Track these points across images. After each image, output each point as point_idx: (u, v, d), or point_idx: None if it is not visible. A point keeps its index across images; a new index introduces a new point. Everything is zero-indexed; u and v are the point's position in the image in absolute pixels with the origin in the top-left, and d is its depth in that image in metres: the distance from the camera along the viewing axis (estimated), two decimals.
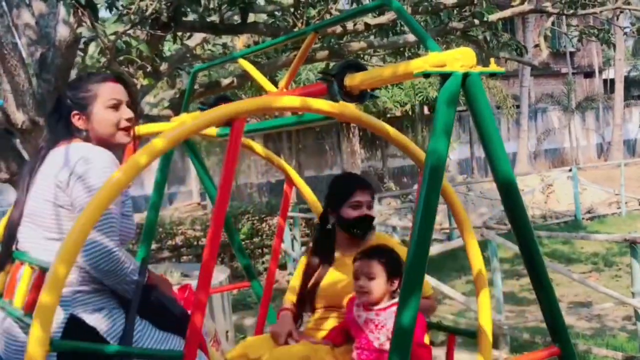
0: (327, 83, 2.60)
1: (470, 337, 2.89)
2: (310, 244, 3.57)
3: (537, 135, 30.63)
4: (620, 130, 30.43)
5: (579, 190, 16.60)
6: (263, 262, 12.68)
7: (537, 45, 12.35)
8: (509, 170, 2.26)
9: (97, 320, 2.48)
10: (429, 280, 3.50)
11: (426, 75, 2.15)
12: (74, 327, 2.44)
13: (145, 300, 2.55)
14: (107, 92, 2.70)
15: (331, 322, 3.24)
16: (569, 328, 8.32)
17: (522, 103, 27.28)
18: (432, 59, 2.16)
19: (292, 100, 2.40)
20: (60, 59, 5.91)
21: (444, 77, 2.15)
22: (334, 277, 3.30)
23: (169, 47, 9.92)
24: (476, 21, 8.09)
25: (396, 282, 2.92)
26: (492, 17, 8.05)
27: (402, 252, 2.88)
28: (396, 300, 2.76)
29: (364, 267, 2.93)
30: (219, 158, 20.06)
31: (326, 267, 3.34)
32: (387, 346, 2.77)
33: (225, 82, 7.75)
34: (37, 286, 2.36)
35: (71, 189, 2.48)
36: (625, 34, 16.30)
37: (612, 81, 33.36)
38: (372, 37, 8.79)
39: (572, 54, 34.08)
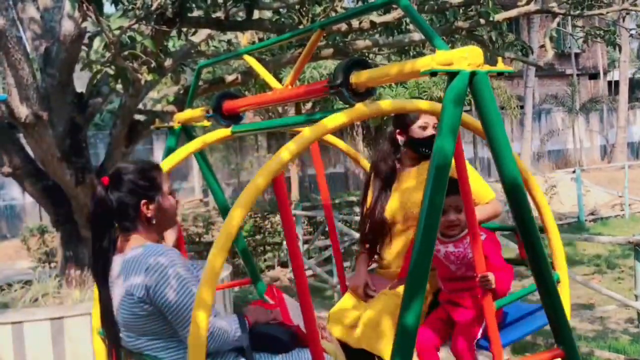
0: (336, 90, 2.56)
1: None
2: (373, 167, 3.73)
3: (540, 136, 30.55)
4: (624, 132, 30.36)
5: (582, 191, 16.55)
6: (265, 260, 12.68)
7: (542, 46, 12.31)
8: (515, 170, 2.24)
9: None
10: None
11: (433, 73, 2.13)
12: None
13: (254, 339, 2.70)
14: (164, 179, 2.79)
15: (404, 244, 3.44)
16: (571, 330, 8.29)
17: (526, 104, 27.21)
18: (440, 57, 2.13)
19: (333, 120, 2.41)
20: (65, 54, 5.91)
21: (451, 75, 2.13)
22: (401, 194, 3.49)
23: (173, 43, 9.90)
24: (482, 20, 8.05)
25: None
26: (498, 17, 8.01)
27: (474, 176, 3.19)
28: (466, 231, 2.98)
29: (453, 200, 2.98)
30: (222, 155, 20.05)
31: (390, 189, 3.55)
32: (468, 273, 2.98)
33: (230, 78, 7.73)
34: None
35: (152, 299, 2.52)
36: (631, 35, 16.24)
37: (617, 83, 33.26)
38: (377, 36, 8.76)
39: (577, 55, 34.01)
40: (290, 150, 2.23)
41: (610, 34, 10.59)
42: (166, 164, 3.29)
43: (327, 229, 12.14)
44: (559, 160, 30.50)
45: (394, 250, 3.51)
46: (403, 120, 3.45)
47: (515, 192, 2.26)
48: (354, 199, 14.13)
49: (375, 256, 3.67)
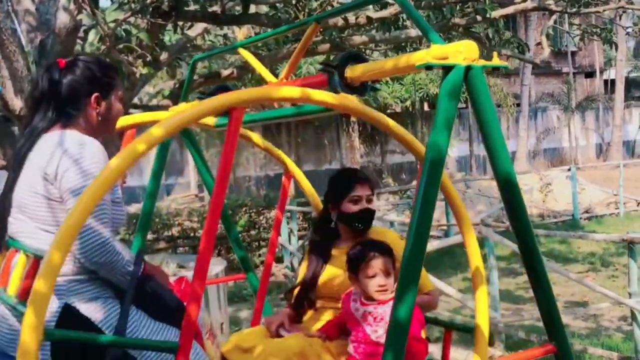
0: (328, 74, 2.57)
1: (467, 332, 2.87)
2: (308, 241, 3.56)
3: (536, 134, 30.60)
4: (620, 131, 30.40)
5: (577, 190, 16.59)
6: (260, 255, 12.66)
7: (539, 44, 12.33)
8: (509, 165, 2.24)
9: (91, 310, 2.45)
10: None
11: (428, 67, 2.12)
12: (68, 316, 2.41)
13: (141, 290, 2.52)
14: (120, 85, 2.73)
15: (328, 316, 3.23)
16: (565, 327, 8.31)
17: (522, 102, 27.26)
18: (435, 52, 2.13)
19: (292, 91, 2.36)
20: (60, 46, 5.87)
21: (446, 70, 2.12)
22: (332, 271, 3.29)
23: (169, 37, 9.88)
24: (479, 17, 8.06)
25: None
26: (495, 14, 8.02)
27: (400, 245, 2.87)
28: (392, 295, 2.74)
29: (381, 264, 2.88)
30: (218, 150, 20.01)
31: (324, 262, 3.34)
32: (384, 339, 2.75)
33: (225, 73, 7.72)
34: (31, 274, 2.33)
35: (59, 182, 2.44)
36: (627, 33, 16.26)
37: (613, 82, 33.31)
38: (374, 32, 8.75)
39: (573, 53, 34.04)
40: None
41: (607, 32, 10.61)
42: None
43: None
44: (554, 158, 30.56)
45: (316, 320, 3.30)
46: (334, 193, 3.31)
47: (509, 187, 2.26)
48: None
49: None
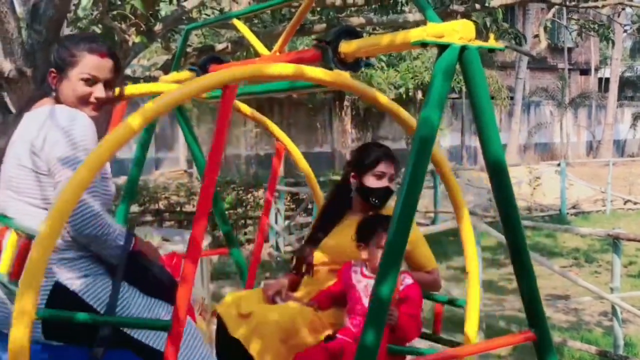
0: (321, 49, 2.53)
1: (459, 307, 2.87)
2: (323, 204, 3.58)
3: (528, 128, 30.65)
4: (612, 129, 30.51)
5: (565, 185, 16.63)
6: (245, 234, 12.65)
7: (536, 36, 12.28)
8: (499, 150, 2.22)
9: (82, 287, 2.43)
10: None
11: (424, 44, 2.08)
12: (59, 294, 2.39)
13: (132, 266, 2.50)
14: (88, 65, 2.60)
15: (322, 283, 3.23)
16: (545, 316, 8.33)
17: (516, 95, 27.25)
18: (431, 29, 2.09)
19: (286, 68, 2.33)
20: (53, 10, 5.79)
21: (442, 48, 2.09)
22: (337, 238, 3.30)
23: (165, 11, 9.78)
24: (477, 5, 8.01)
25: None
26: (494, 3, 7.99)
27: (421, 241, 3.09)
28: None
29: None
30: (209, 127, 19.94)
31: (332, 226, 3.37)
32: None
33: (220, 47, 7.65)
34: (23, 253, 2.30)
35: (47, 153, 2.40)
36: (625, 31, 16.26)
37: (607, 80, 33.38)
38: (372, 14, 8.69)
39: (569, 49, 34.03)
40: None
41: (604, 28, 10.59)
42: None
43: (309, 206, 12.22)
44: (545, 153, 30.64)
45: (312, 284, 3.31)
46: (360, 163, 3.31)
47: (499, 173, 2.23)
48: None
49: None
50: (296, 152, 3.87)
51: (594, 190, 18.25)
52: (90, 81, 2.61)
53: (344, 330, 2.95)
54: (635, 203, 18.10)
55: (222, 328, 3.08)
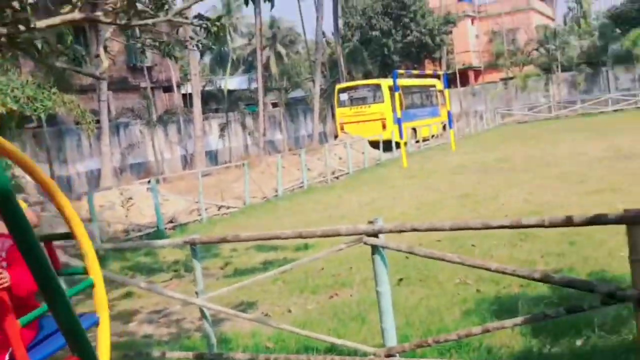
0: None
1: None
2: None
3: (121, 150, 30.60)
4: (202, 141, 32.08)
5: (159, 201, 16.86)
6: None
7: (97, 56, 12.11)
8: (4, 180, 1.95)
9: None
10: None
11: None
12: None
13: None
14: None
15: None
16: (148, 337, 8.20)
17: (102, 118, 26.84)
18: None
19: None
20: None
21: None
22: None
23: None
24: (22, 27, 7.46)
25: None
26: (39, 24, 7.50)
27: None
28: None
29: None
30: None
31: None
32: None
33: None
34: None
35: None
36: (185, 47, 17.08)
37: (191, 95, 35.06)
38: None
39: (149, 68, 34.91)
40: None
41: (165, 45, 10.84)
42: None
43: None
44: (141, 172, 30.93)
45: None
46: None
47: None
48: None
49: None
50: None
51: (188, 202, 18.88)
52: None
53: None
54: (228, 207, 19.20)
55: None
